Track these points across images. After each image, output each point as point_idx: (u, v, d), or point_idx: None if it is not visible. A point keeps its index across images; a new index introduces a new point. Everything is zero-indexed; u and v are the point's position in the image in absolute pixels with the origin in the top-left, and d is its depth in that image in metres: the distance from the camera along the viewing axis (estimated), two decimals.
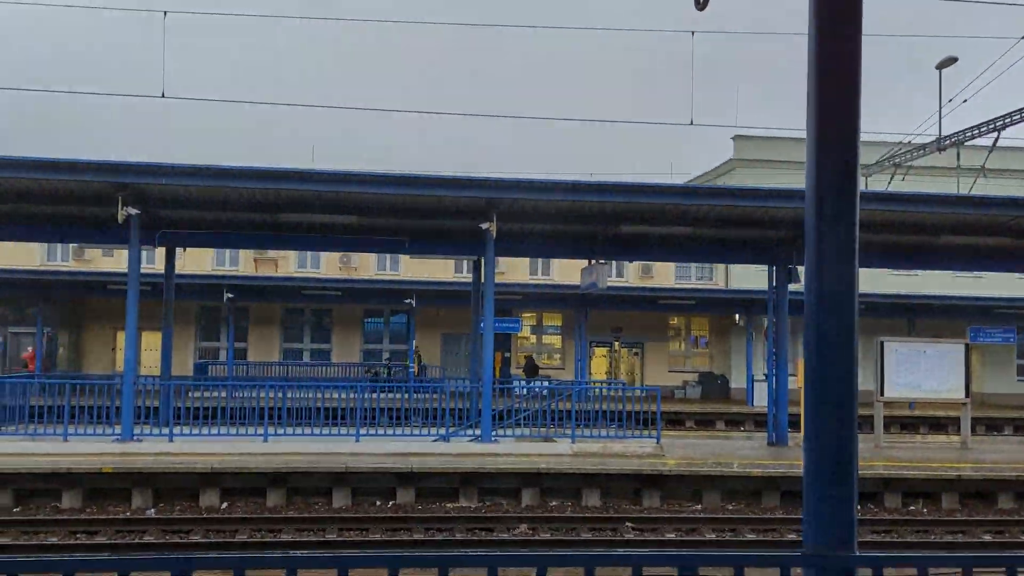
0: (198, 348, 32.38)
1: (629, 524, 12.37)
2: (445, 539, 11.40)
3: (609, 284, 16.98)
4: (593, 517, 12.63)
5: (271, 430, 14.87)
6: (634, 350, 34.18)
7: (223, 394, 17.63)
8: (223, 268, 32.22)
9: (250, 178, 13.90)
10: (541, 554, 3.31)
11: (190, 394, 21.06)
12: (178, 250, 18.93)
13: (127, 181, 13.81)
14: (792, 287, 16.53)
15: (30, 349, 28.13)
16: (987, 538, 12.16)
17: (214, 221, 16.50)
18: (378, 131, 74.51)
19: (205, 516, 12.14)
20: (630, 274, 33.62)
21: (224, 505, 13.02)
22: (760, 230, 16.44)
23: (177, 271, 19.17)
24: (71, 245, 31.11)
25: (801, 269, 16.74)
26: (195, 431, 15.54)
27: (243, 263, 32.39)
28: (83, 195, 14.79)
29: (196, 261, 31.77)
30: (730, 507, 13.73)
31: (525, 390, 18.37)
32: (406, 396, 18.98)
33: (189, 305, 31.69)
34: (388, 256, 32.89)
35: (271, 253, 31.68)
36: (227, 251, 32.09)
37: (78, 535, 11.23)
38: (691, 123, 14.71)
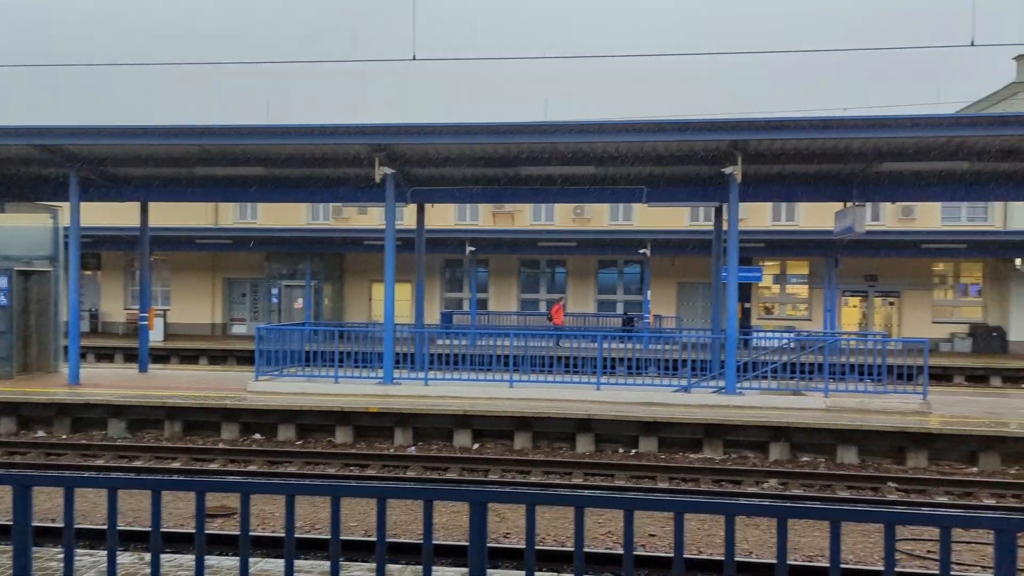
0: (443, 298, 34.32)
1: (892, 484, 11.49)
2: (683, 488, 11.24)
3: (865, 228, 15.61)
4: (850, 475, 11.86)
5: (515, 376, 15.40)
6: (889, 299, 31.48)
7: (465, 341, 18.52)
8: (464, 222, 33.71)
9: (492, 133, 14.25)
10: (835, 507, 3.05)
11: (436, 341, 22.41)
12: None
13: (384, 142, 14.70)
14: None
15: (556, 303, 27.72)
16: None
17: (459, 177, 17.20)
18: (613, 81, 73.90)
19: (460, 455, 12.88)
20: (887, 216, 30.82)
21: (475, 446, 13.75)
22: None
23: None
24: (331, 205, 34.10)
25: None
26: (446, 376, 16.51)
27: (482, 217, 33.68)
28: (344, 157, 15.98)
29: (439, 216, 33.59)
30: (1011, 471, 12.34)
31: (774, 342, 17.52)
32: (641, 347, 18.87)
33: (434, 258, 33.66)
34: (621, 206, 32.69)
35: (508, 207, 32.64)
36: (467, 206, 33.49)
37: (351, 468, 12.37)
38: (972, 44, 12.81)
